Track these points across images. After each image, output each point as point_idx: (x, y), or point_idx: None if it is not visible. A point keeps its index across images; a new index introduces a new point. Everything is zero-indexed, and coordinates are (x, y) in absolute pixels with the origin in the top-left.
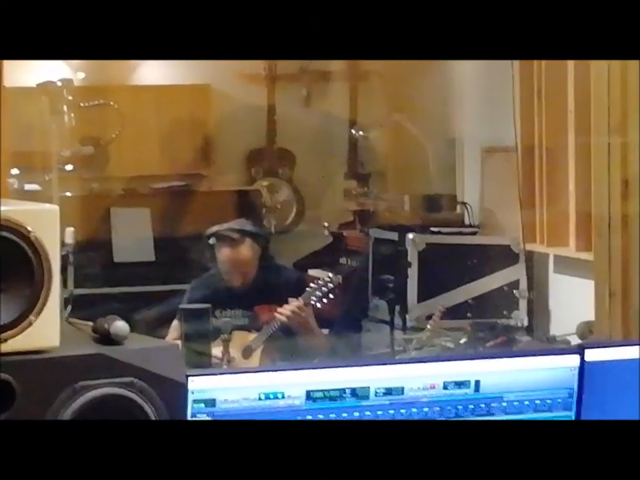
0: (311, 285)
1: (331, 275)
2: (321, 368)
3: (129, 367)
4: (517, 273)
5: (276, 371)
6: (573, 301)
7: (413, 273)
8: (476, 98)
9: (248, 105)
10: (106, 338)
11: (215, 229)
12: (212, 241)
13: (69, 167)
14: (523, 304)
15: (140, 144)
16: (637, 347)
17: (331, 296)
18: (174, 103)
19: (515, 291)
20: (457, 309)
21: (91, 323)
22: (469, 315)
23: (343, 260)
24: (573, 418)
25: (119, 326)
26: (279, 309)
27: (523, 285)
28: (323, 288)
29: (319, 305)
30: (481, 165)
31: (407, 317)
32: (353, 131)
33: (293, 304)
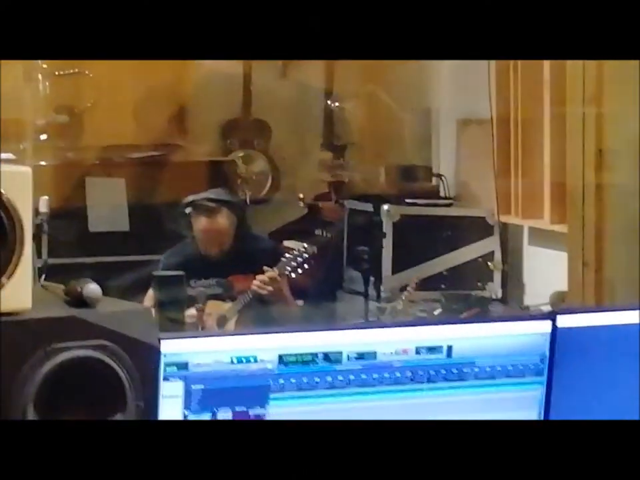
0: (286, 255)
1: (305, 245)
2: (293, 332)
3: (101, 330)
4: (491, 244)
5: (249, 334)
6: (547, 272)
7: (387, 244)
8: (451, 69)
9: (224, 75)
10: (78, 301)
11: (191, 198)
12: (188, 210)
13: (44, 137)
14: (497, 276)
15: (115, 113)
16: (609, 313)
17: (306, 266)
18: (149, 72)
19: (489, 263)
20: (431, 281)
21: (63, 287)
22: (443, 286)
23: (318, 231)
24: (545, 383)
25: (92, 288)
26: (257, 278)
27: (498, 256)
28: (298, 258)
29: (293, 275)
30: (457, 136)
31: (381, 288)
32: (329, 102)
33: (268, 273)
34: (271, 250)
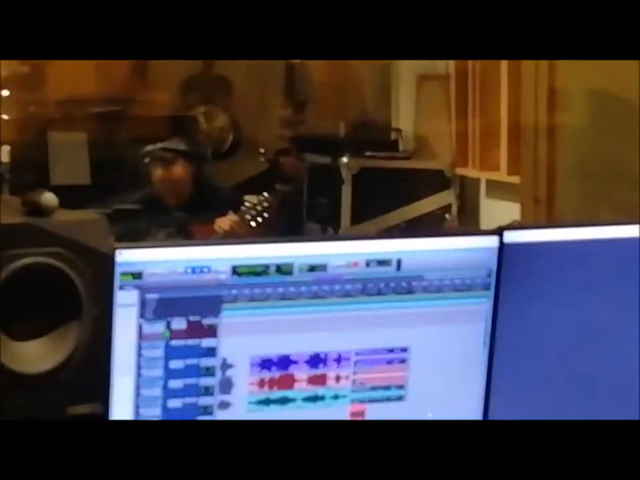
0: (246, 204)
1: (265, 194)
2: (247, 244)
3: (56, 237)
4: (448, 197)
5: (203, 245)
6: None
7: (346, 197)
8: None
9: None
10: (35, 209)
11: (148, 148)
12: (146, 160)
13: (5, 92)
14: (454, 227)
15: (76, 65)
16: (558, 229)
17: (265, 215)
18: None
19: (446, 215)
20: (389, 233)
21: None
22: None
23: (278, 186)
24: (492, 297)
25: (48, 197)
26: (218, 220)
27: (454, 209)
28: (257, 207)
29: (253, 224)
30: (416, 91)
31: None
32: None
33: (230, 217)
34: (232, 200)
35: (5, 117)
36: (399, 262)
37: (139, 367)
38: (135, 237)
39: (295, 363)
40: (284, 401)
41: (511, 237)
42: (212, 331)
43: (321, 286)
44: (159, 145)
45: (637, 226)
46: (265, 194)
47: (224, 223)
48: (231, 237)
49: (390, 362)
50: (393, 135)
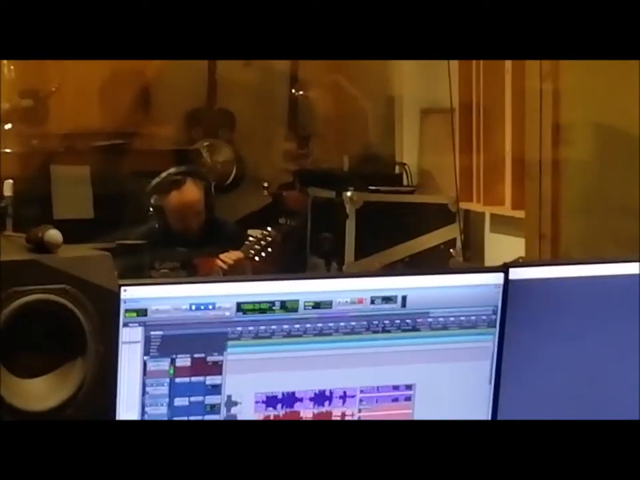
0: (250, 238)
1: (269, 229)
2: (251, 281)
3: (61, 274)
4: (453, 231)
5: (208, 282)
6: (508, 259)
7: (350, 231)
8: None
9: (189, 63)
10: (39, 246)
11: (154, 182)
12: (154, 199)
13: (8, 126)
14: (458, 263)
15: (80, 98)
16: (563, 266)
17: (270, 250)
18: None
19: (451, 250)
20: (394, 268)
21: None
22: None
23: (282, 219)
24: (497, 334)
25: (52, 234)
26: (222, 255)
27: (459, 243)
28: (261, 242)
29: (257, 259)
30: (420, 125)
31: None
32: (293, 91)
33: (233, 253)
34: (236, 235)
35: (7, 150)
36: (404, 299)
37: (143, 405)
38: (138, 272)
39: (300, 400)
40: None
41: (516, 273)
42: (217, 369)
43: (325, 323)
44: (163, 175)
45: (638, 264)
46: (269, 228)
47: (228, 258)
48: (234, 273)
49: (395, 399)
50: (397, 169)
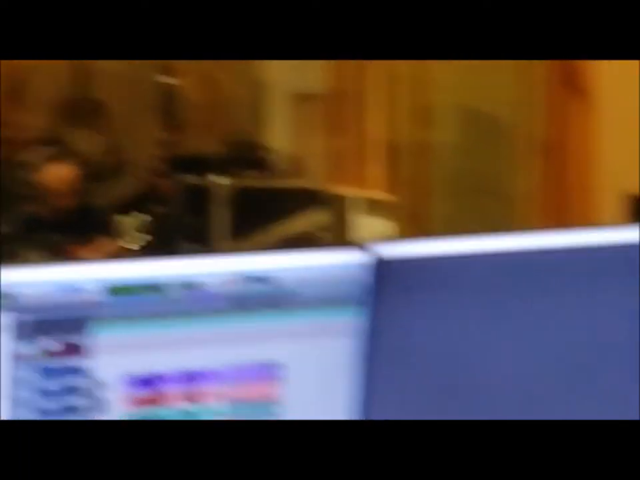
0: (122, 225)
1: (141, 215)
2: (121, 262)
3: None
4: (323, 215)
5: (75, 264)
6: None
7: (221, 216)
8: None
9: None
10: None
11: (23, 159)
12: (23, 178)
13: None
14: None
15: None
16: (429, 243)
17: (142, 236)
18: None
19: (321, 233)
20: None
21: None
22: None
23: (154, 207)
24: (366, 311)
25: None
26: (94, 242)
27: (329, 227)
28: (134, 228)
29: (129, 246)
30: (291, 110)
31: None
32: (165, 79)
33: (105, 240)
34: (108, 222)
35: None
36: (271, 278)
37: (13, 388)
38: (9, 259)
39: (170, 380)
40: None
41: (384, 251)
42: (87, 351)
43: (195, 303)
44: (34, 154)
45: (501, 238)
46: (142, 215)
47: (100, 245)
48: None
49: (264, 377)
50: (268, 154)
